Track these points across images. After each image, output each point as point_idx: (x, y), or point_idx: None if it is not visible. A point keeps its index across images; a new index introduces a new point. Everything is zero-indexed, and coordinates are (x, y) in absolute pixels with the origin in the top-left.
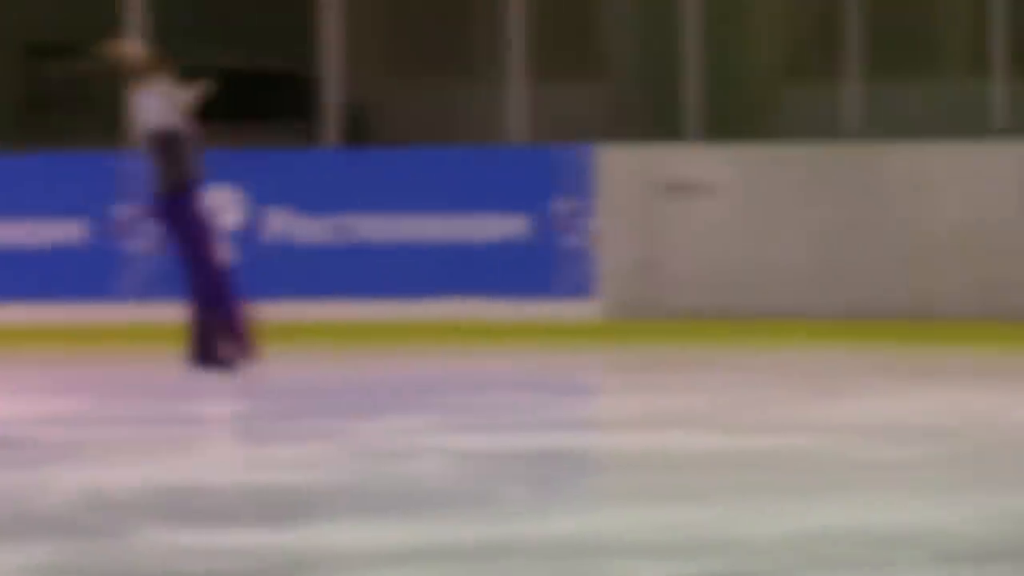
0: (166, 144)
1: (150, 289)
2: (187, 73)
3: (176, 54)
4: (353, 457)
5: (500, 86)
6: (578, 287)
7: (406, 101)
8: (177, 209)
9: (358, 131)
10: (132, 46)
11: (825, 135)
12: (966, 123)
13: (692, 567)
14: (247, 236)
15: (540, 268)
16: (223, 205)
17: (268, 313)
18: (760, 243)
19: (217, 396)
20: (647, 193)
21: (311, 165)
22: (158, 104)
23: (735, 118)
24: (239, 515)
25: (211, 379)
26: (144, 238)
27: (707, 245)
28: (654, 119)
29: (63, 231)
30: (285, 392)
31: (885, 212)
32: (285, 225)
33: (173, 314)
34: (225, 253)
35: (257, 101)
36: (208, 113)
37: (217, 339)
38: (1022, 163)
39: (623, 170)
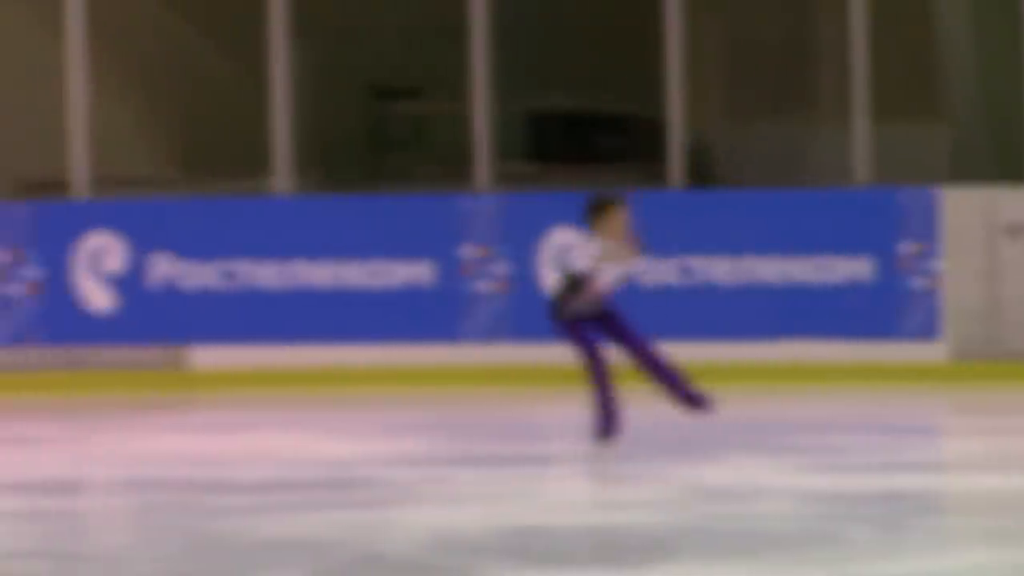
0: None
1: (496, 330)
2: (531, 115)
3: (520, 96)
4: (696, 498)
5: (842, 127)
6: (923, 329)
7: (747, 142)
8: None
9: (702, 172)
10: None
11: None
12: None
13: None
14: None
15: (885, 310)
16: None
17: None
18: None
19: (560, 437)
20: (990, 235)
21: (656, 206)
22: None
23: None
24: (583, 556)
25: (554, 421)
26: (489, 279)
27: None
28: (997, 160)
29: (409, 272)
30: (633, 433)
31: None
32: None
33: (518, 355)
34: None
35: (601, 143)
36: (553, 155)
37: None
38: None
39: (966, 212)
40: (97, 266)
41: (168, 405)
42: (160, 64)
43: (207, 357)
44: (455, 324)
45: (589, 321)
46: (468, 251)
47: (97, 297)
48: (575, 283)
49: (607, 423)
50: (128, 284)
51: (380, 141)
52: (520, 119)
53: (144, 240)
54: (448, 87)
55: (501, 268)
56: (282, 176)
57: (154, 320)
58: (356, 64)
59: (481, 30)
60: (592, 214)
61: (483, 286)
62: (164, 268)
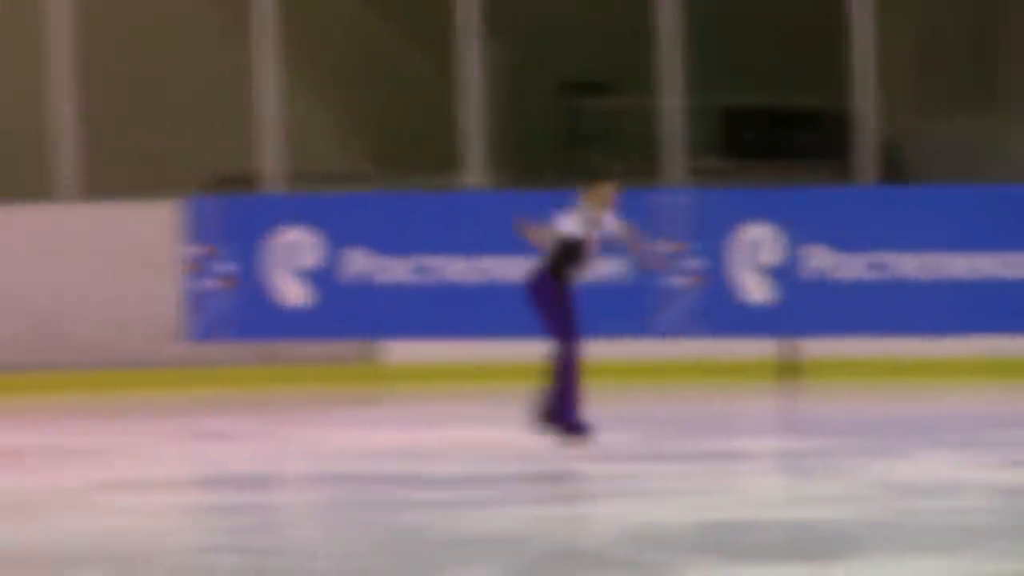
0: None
1: (690, 325)
2: (723, 111)
3: (710, 92)
4: (891, 493)
5: None
6: None
7: (936, 137)
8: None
9: (894, 168)
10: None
11: None
12: None
13: None
14: (787, 272)
15: None
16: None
17: (807, 349)
18: None
19: (759, 432)
20: None
21: (849, 202)
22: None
23: None
24: (776, 551)
25: (746, 415)
26: (682, 274)
27: None
28: None
29: (605, 267)
30: (825, 428)
31: None
32: (822, 262)
33: (711, 349)
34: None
35: (793, 139)
36: (745, 151)
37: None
38: None
39: None
40: (291, 261)
41: (361, 400)
42: (354, 61)
43: (400, 351)
44: (648, 319)
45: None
46: (661, 246)
47: (291, 292)
48: (570, 249)
49: (565, 413)
50: (322, 279)
51: (571, 137)
52: (711, 115)
53: (338, 235)
54: (639, 83)
55: (693, 263)
56: (474, 171)
57: (348, 315)
58: (548, 61)
59: (672, 27)
60: (584, 186)
61: (676, 281)
62: (358, 263)
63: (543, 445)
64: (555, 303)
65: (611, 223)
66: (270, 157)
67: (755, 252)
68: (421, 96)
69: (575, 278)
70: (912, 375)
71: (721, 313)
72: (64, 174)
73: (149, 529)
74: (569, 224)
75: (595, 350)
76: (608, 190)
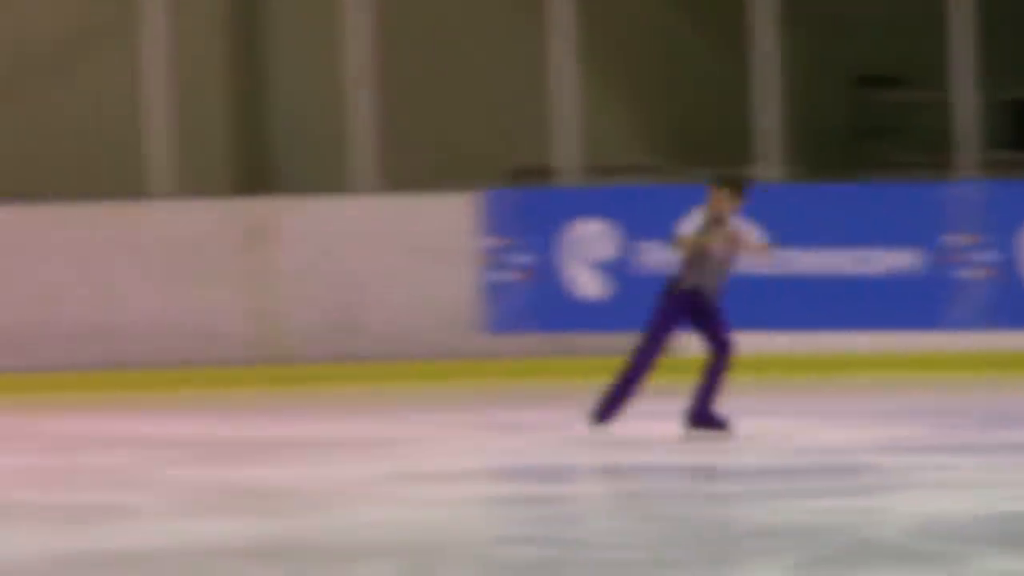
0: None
1: (983, 317)
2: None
3: (1004, 85)
4: None
5: None
6: None
7: None
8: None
9: None
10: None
11: None
12: None
13: None
14: None
15: None
16: None
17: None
18: None
19: None
20: None
21: None
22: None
23: None
24: None
25: None
26: (975, 266)
27: None
28: None
29: (895, 260)
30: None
31: None
32: None
33: (1005, 342)
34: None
35: None
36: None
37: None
38: None
39: None
40: (587, 253)
41: (658, 391)
42: (648, 54)
43: (695, 343)
44: (941, 311)
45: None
46: (953, 239)
47: (587, 284)
48: (694, 256)
49: (612, 407)
50: (618, 271)
51: (863, 129)
52: (1004, 107)
53: (634, 227)
54: (931, 76)
55: (986, 255)
56: (769, 164)
57: (643, 307)
58: (840, 53)
59: (964, 19)
60: (711, 190)
61: (968, 273)
62: (653, 255)
63: (843, 437)
64: (681, 312)
65: (737, 228)
66: (565, 150)
67: None
68: (716, 89)
69: (705, 284)
70: None
71: (1014, 306)
72: (362, 167)
73: (444, 521)
74: (688, 227)
75: (888, 343)
76: (720, 195)
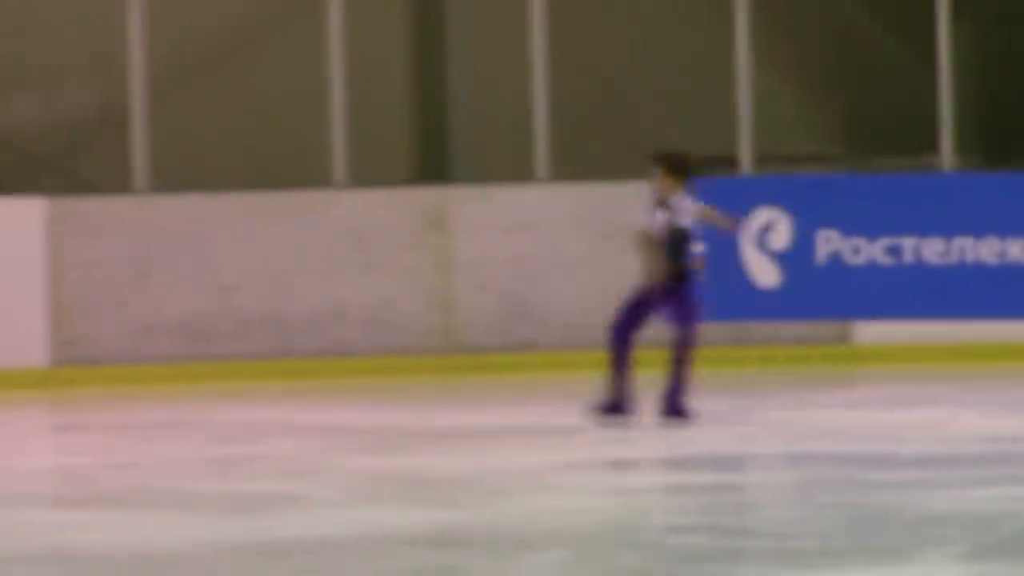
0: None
1: None
2: None
3: None
4: None
5: None
6: None
7: None
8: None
9: None
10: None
11: None
12: None
13: None
14: None
15: None
16: None
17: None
18: None
19: None
20: None
21: None
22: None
23: None
24: None
25: None
26: None
27: None
28: None
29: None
30: None
31: None
32: None
33: None
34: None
35: None
36: None
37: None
38: None
39: None
40: (764, 242)
41: (833, 380)
42: (825, 42)
43: (872, 332)
44: None
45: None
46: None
47: (763, 272)
48: (680, 240)
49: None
50: (794, 260)
51: None
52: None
53: (810, 216)
54: None
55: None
56: (947, 153)
57: (820, 296)
58: (1018, 39)
59: None
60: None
61: None
62: (830, 244)
63: (1014, 426)
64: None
65: (686, 206)
66: (743, 139)
67: None
68: (893, 76)
69: (674, 268)
70: None
71: None
72: (540, 155)
73: (617, 509)
74: (643, 216)
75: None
76: (660, 177)
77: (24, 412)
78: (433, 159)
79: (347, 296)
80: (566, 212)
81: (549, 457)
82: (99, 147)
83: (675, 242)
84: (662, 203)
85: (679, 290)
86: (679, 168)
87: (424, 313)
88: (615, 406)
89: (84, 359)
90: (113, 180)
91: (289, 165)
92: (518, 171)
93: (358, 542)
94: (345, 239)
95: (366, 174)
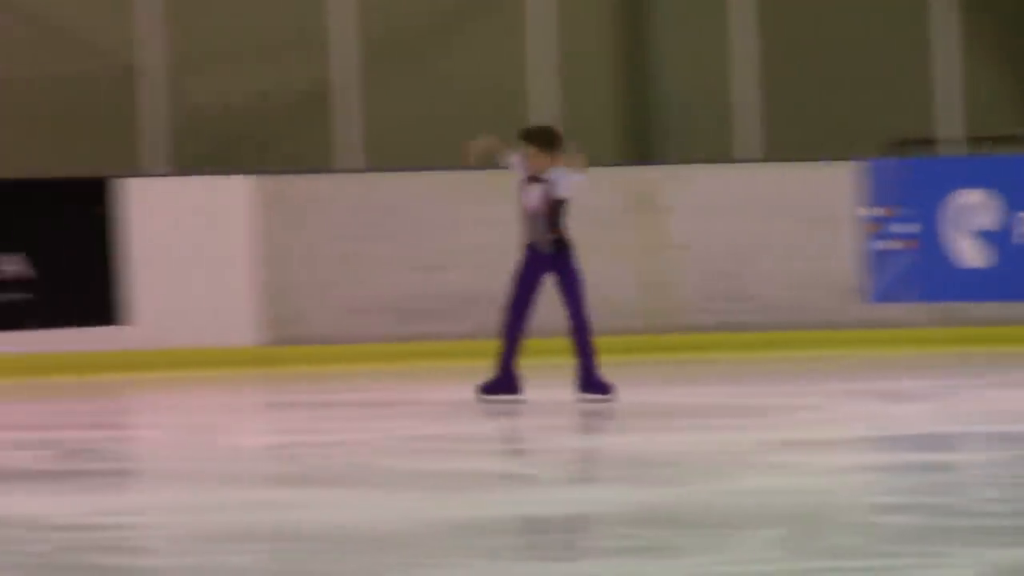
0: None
1: None
2: None
3: None
4: None
5: None
6: None
7: None
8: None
9: None
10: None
11: None
12: None
13: None
14: None
15: None
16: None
17: None
18: None
19: None
20: None
21: None
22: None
23: None
24: None
25: None
26: None
27: None
28: None
29: None
30: None
31: None
32: None
33: None
34: None
35: None
36: None
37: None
38: None
39: None
40: (969, 223)
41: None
42: None
43: None
44: None
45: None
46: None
47: (969, 253)
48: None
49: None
50: (1000, 240)
51: None
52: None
53: (1016, 197)
54: None
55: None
56: None
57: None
58: None
59: None
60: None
61: None
62: None
63: None
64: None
65: (563, 181)
66: (948, 119)
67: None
68: None
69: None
70: None
71: None
72: (746, 136)
73: (826, 488)
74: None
75: None
76: (530, 153)
77: (235, 391)
78: (642, 140)
79: None
80: (773, 193)
81: (759, 436)
82: (306, 126)
83: (554, 213)
84: (531, 179)
85: (560, 260)
86: (540, 141)
87: (635, 293)
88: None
89: (293, 339)
90: (320, 159)
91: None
92: (728, 151)
93: (576, 520)
94: None
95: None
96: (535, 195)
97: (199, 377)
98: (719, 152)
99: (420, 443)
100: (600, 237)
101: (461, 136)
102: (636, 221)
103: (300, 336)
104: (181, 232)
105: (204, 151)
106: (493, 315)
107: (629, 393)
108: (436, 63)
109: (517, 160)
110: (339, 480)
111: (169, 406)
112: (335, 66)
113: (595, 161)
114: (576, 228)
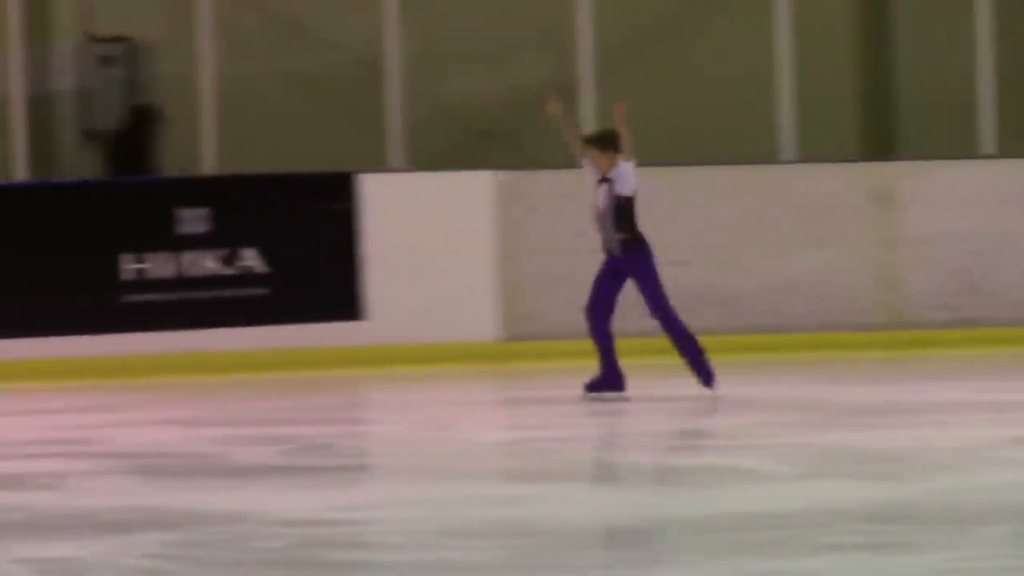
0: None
1: None
2: None
3: None
4: None
5: None
6: None
7: None
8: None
9: None
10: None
11: None
12: None
13: None
14: None
15: None
16: None
17: None
18: None
19: None
20: None
21: None
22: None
23: None
24: None
25: None
26: None
27: None
28: None
29: None
30: None
31: None
32: None
33: None
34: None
35: None
36: None
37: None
38: None
39: None
40: None
41: None
42: None
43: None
44: None
45: None
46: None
47: None
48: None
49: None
50: None
51: None
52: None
53: None
54: None
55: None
56: None
57: None
58: None
59: None
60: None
61: None
62: None
63: None
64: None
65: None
66: None
67: None
68: None
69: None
70: None
71: None
72: (987, 131)
73: None
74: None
75: None
76: (594, 157)
77: (470, 387)
78: (880, 135)
79: (794, 271)
80: (1015, 188)
81: (995, 432)
82: (548, 122)
83: (620, 213)
84: (602, 180)
85: (630, 261)
86: (602, 143)
87: (872, 288)
88: None
89: (534, 334)
90: (562, 155)
91: (741, 140)
92: (965, 147)
93: (808, 515)
94: (793, 214)
95: (815, 148)
96: (602, 196)
97: (435, 373)
98: (960, 147)
99: (655, 439)
100: (838, 231)
101: (702, 130)
102: (874, 215)
103: (537, 332)
104: (420, 228)
105: (444, 148)
106: (734, 311)
107: (863, 389)
108: (676, 59)
109: (587, 163)
110: (570, 475)
111: (404, 402)
112: (578, 63)
113: (836, 155)
114: (814, 222)
